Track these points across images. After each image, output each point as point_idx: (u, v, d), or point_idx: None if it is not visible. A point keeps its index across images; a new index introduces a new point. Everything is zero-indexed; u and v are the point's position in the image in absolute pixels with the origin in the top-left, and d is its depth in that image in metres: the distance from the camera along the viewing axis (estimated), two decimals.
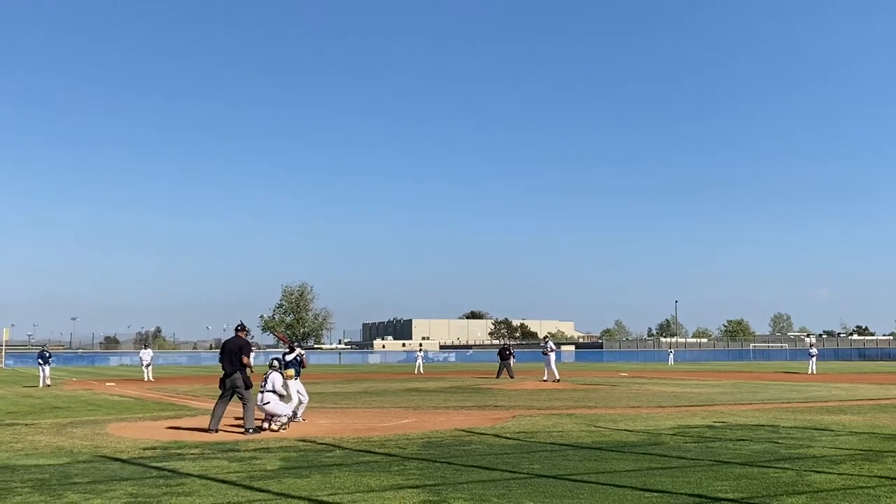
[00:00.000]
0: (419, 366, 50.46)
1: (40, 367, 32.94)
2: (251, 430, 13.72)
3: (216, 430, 13.92)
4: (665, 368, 56.88)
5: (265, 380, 14.51)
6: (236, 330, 14.71)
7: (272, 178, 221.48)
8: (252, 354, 14.68)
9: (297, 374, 15.97)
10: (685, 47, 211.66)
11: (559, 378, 31.82)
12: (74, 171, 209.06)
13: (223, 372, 14.33)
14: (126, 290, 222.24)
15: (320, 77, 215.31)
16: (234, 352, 14.27)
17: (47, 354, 33.56)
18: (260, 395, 14.30)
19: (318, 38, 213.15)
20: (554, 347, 33.45)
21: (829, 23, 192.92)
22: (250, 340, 14.83)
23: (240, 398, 14.24)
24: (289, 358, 16.45)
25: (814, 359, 46.63)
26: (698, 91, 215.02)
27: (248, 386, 14.18)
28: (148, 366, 38.82)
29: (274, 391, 14.33)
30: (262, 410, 14.26)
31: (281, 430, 13.90)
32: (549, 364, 32.24)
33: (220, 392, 14.44)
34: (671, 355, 73.89)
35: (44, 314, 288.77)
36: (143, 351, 40.97)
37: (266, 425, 14.15)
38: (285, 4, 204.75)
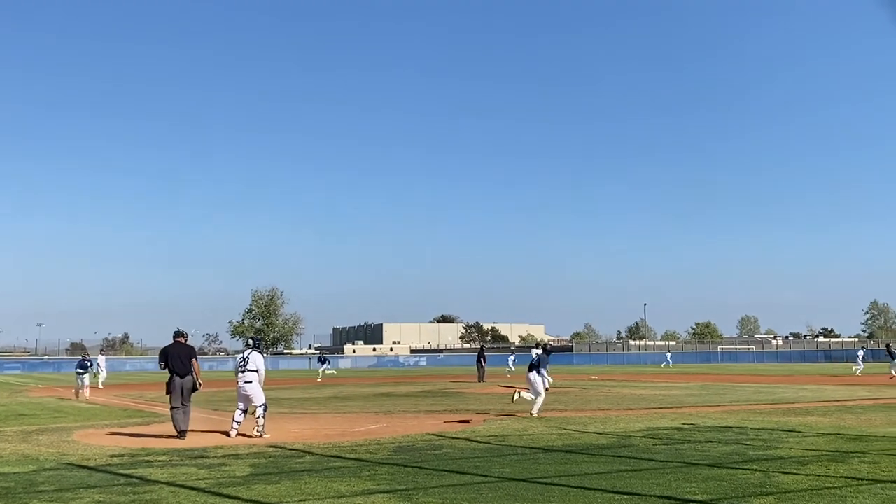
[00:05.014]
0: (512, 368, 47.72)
1: (78, 377, 28.79)
2: (185, 434, 13.83)
3: (185, 435, 13.91)
4: (660, 371, 57.16)
5: (245, 359, 14.29)
6: (177, 336, 14.74)
7: (242, 183, 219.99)
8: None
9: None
10: (667, 44, 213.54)
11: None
12: (40, 176, 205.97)
13: (174, 376, 14.21)
14: (92, 295, 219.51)
15: (295, 81, 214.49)
16: (184, 355, 14.39)
17: (87, 363, 29.79)
18: (241, 375, 14.13)
19: (281, 34, 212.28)
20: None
21: (800, 22, 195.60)
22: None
23: (183, 401, 14.16)
24: None
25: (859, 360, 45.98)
26: (663, 94, 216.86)
27: (194, 389, 14.33)
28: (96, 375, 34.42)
29: (257, 371, 14.18)
30: (242, 391, 14.08)
31: (264, 436, 13.70)
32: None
33: (170, 397, 14.26)
34: (669, 356, 72.03)
35: (9, 320, 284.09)
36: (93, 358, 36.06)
37: (233, 434, 13.95)
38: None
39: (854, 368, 44.92)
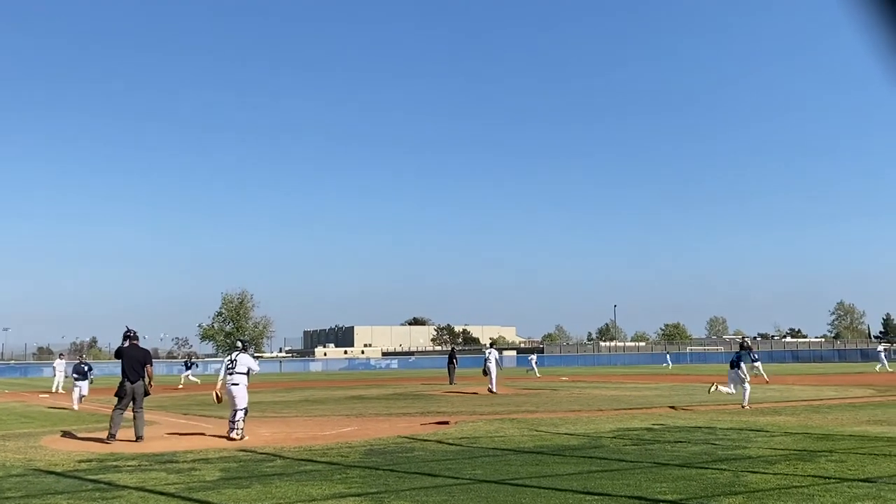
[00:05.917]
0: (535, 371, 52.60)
1: (75, 385, 25.66)
2: (142, 438, 13.81)
3: (115, 438, 13.85)
4: (659, 371, 57.48)
5: (233, 361, 14.39)
6: (130, 338, 14.59)
7: (210, 186, 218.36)
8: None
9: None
10: (640, 44, 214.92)
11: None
12: (9, 179, 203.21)
13: (125, 381, 14.15)
14: (60, 298, 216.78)
15: (286, 81, 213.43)
16: (137, 360, 14.33)
17: (85, 368, 26.42)
18: (229, 377, 14.21)
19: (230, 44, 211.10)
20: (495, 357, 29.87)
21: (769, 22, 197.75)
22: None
23: (136, 407, 14.16)
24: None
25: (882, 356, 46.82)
26: (635, 96, 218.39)
27: (146, 394, 14.32)
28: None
29: (245, 374, 14.25)
30: (228, 391, 14.16)
31: (244, 439, 13.75)
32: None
33: (118, 400, 14.21)
34: (669, 357, 71.17)
35: None
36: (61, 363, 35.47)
37: (232, 428, 14.03)
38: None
39: (877, 367, 45.53)
